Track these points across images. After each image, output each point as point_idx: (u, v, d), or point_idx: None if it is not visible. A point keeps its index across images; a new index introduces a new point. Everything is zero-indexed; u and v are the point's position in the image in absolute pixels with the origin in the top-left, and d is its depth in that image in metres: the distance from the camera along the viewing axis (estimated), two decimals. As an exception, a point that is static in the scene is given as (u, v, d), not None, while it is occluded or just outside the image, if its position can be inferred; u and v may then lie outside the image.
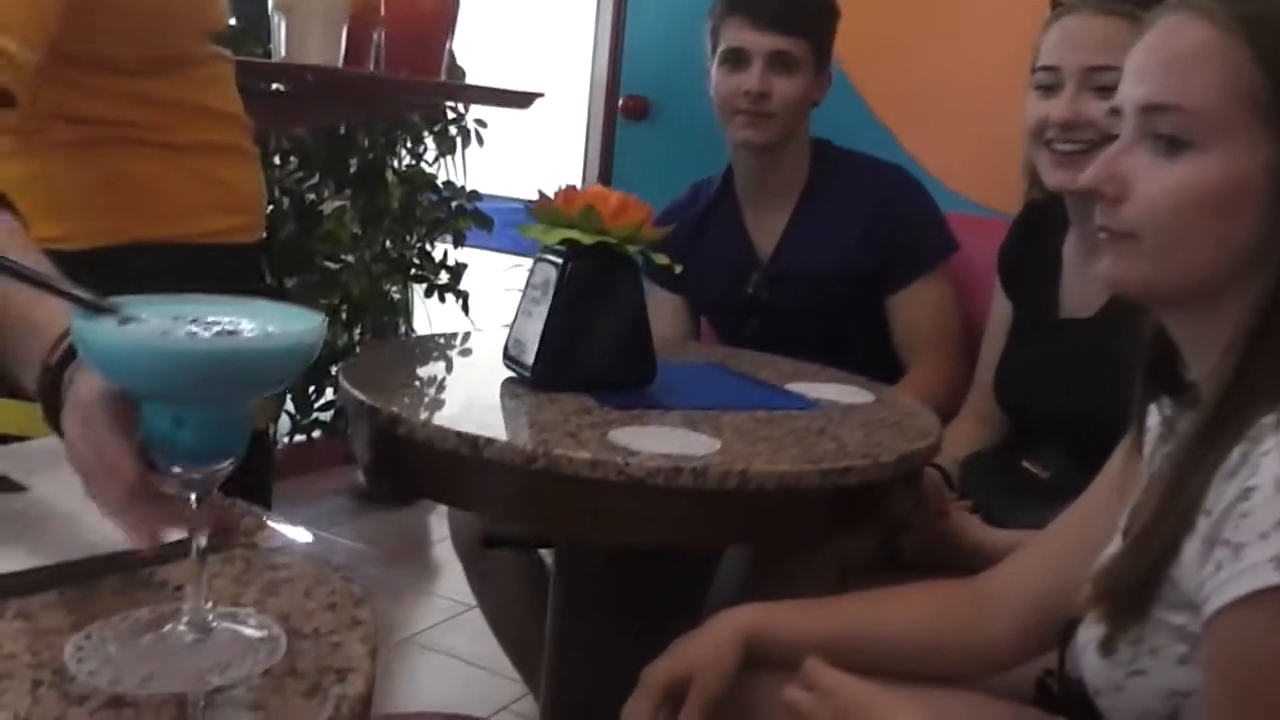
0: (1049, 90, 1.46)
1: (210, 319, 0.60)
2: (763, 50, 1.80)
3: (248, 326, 0.59)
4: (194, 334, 0.57)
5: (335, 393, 2.79)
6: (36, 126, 1.16)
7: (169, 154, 1.22)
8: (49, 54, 1.03)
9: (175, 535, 0.72)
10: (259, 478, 1.35)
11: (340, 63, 1.92)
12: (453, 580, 2.71)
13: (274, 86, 1.89)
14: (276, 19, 1.91)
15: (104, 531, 0.73)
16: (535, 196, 1.34)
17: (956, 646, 1.05)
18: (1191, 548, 0.78)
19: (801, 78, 1.82)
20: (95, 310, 0.58)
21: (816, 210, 1.89)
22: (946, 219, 1.91)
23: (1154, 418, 0.96)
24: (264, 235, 1.37)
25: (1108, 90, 1.40)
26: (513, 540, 1.68)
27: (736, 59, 1.83)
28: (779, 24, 1.80)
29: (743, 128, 1.84)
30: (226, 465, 0.61)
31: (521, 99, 1.38)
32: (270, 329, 0.59)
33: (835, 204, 1.87)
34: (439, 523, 3.13)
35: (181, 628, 0.63)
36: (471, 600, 2.35)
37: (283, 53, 1.91)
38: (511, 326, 1.37)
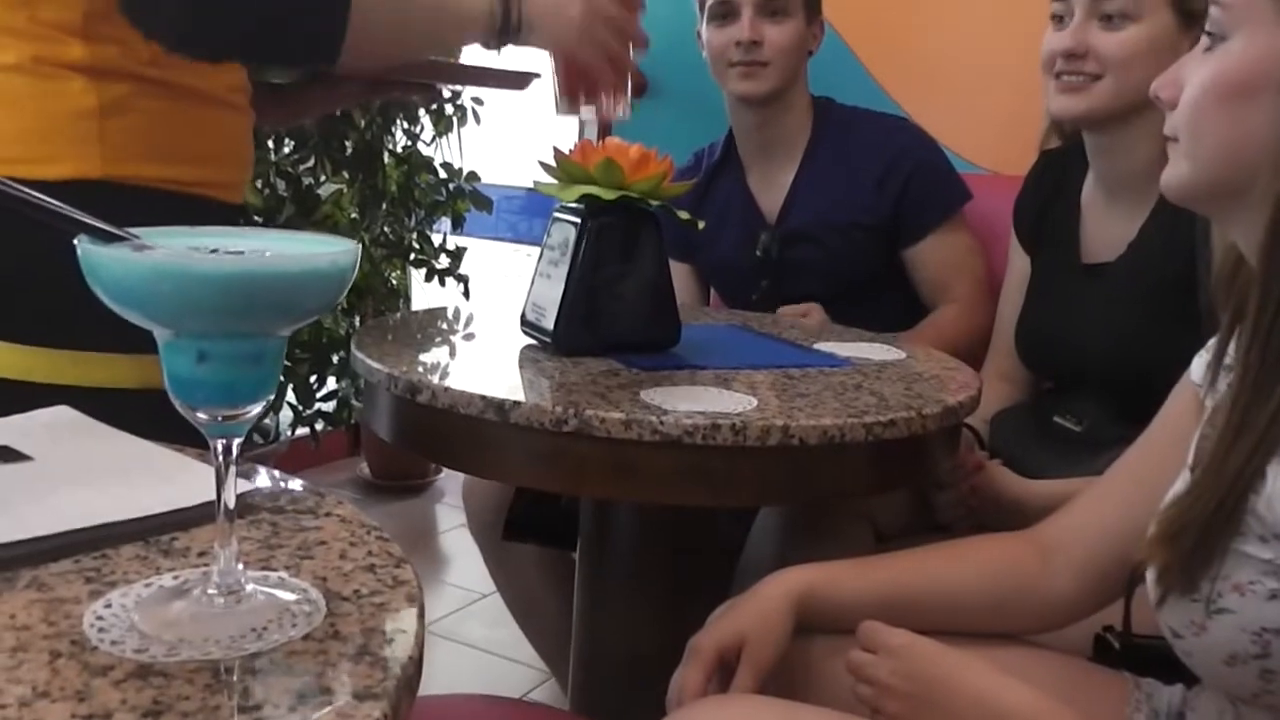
0: (1061, 21, 1.45)
1: (233, 249, 0.54)
2: None
3: (275, 251, 0.54)
4: (218, 257, 0.51)
5: (338, 381, 2.73)
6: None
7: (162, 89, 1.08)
8: None
9: (201, 497, 0.67)
10: None
11: None
12: (464, 569, 2.67)
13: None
14: None
15: (117, 499, 0.68)
16: (533, 182, 1.30)
17: (1019, 601, 1.00)
18: (1278, 476, 0.73)
19: (793, 24, 1.79)
20: (109, 238, 0.52)
21: (822, 165, 1.85)
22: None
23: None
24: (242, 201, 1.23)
25: (1113, 20, 1.39)
26: (533, 534, 1.62)
27: (725, 12, 1.80)
28: None
29: (739, 80, 1.80)
30: (255, 408, 0.55)
31: (517, 79, 1.32)
32: (301, 251, 0.53)
33: (842, 157, 1.84)
34: (447, 513, 3.09)
35: (211, 591, 0.57)
36: (485, 588, 2.31)
37: None
38: (529, 291, 1.32)
